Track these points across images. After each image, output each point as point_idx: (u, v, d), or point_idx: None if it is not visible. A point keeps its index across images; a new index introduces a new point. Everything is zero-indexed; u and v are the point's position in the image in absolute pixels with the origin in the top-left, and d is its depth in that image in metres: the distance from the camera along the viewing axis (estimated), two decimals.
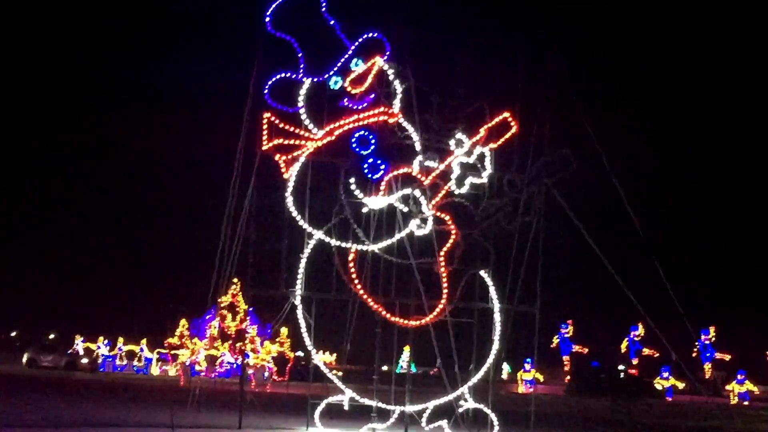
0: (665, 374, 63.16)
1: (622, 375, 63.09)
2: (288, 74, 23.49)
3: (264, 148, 23.32)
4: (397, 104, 23.79)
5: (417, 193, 23.56)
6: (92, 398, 31.79)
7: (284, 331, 56.46)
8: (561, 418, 31.81)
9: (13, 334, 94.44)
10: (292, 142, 23.47)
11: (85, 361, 66.70)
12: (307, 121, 23.48)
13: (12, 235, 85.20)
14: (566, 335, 69.74)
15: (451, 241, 23.73)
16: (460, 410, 23.88)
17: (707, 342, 65.59)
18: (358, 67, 23.56)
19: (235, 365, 55.74)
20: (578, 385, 60.66)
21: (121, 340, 72.41)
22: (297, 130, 23.50)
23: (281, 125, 23.42)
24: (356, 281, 23.41)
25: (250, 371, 54.70)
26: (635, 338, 67.30)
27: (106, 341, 73.00)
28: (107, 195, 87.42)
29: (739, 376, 61.30)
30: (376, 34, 23.76)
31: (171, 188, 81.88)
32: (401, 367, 74.00)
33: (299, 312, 23.45)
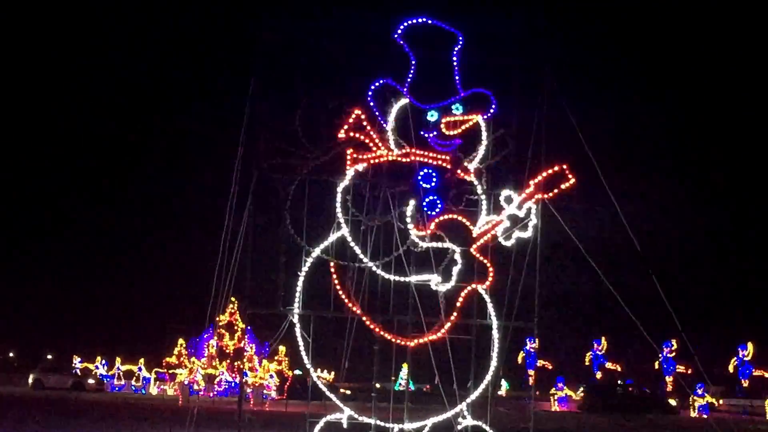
0: (699, 391, 62.79)
1: (633, 390, 62.56)
2: (393, 83, 23.41)
3: (340, 135, 23.17)
4: (474, 164, 23.80)
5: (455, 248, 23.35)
6: (91, 419, 31.61)
7: (282, 349, 56.54)
8: None
9: (11, 354, 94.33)
10: (368, 142, 23.28)
11: (91, 381, 66.38)
12: (390, 133, 23.37)
13: (9, 254, 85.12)
14: (531, 349, 69.21)
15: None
16: (459, 428, 23.81)
17: (669, 355, 65.48)
18: (458, 111, 23.51)
19: (233, 384, 55.75)
20: (591, 402, 60.25)
21: (118, 359, 72.32)
22: (368, 142, 23.37)
23: (366, 125, 23.26)
24: (354, 299, 23.35)
25: (249, 390, 54.61)
26: (668, 355, 66.52)
27: (103, 361, 72.89)
28: (106, 215, 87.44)
29: (699, 390, 61.20)
30: (488, 94, 23.68)
31: (169, 207, 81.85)
32: (399, 384, 74.09)
33: (297, 330, 23.37)
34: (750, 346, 64.76)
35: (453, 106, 23.54)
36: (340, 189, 23.21)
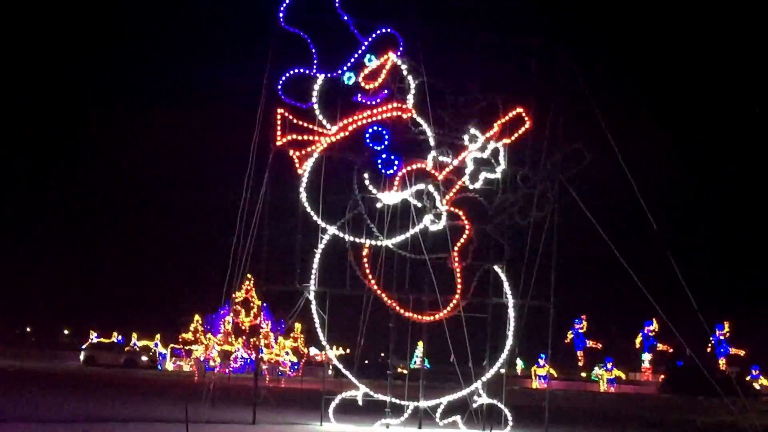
0: (755, 372, 62.49)
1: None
2: (301, 70, 23.50)
3: (278, 143, 23.33)
4: (410, 100, 23.79)
5: (431, 188, 23.52)
6: (109, 394, 31.82)
7: (298, 326, 56.57)
8: (577, 414, 31.65)
9: (28, 329, 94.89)
10: (305, 137, 23.48)
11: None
12: (320, 117, 23.52)
13: (26, 233, 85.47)
14: (580, 330, 69.24)
15: (465, 236, 23.68)
16: (474, 405, 23.88)
17: (721, 337, 65.06)
18: (371, 62, 23.55)
19: (248, 360, 55.87)
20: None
21: (135, 335, 72.46)
22: (311, 126, 23.52)
23: (295, 121, 23.45)
24: (370, 276, 23.44)
25: (264, 367, 54.82)
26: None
27: (120, 337, 73.09)
28: (122, 192, 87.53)
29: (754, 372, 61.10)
30: (389, 30, 23.73)
31: (185, 185, 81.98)
32: (415, 362, 74.15)
33: (313, 307, 23.45)
34: (726, 325, 64.88)
35: (365, 59, 23.50)
36: (302, 189, 23.19)
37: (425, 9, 24.55)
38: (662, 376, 63.00)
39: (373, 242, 23.47)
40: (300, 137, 23.48)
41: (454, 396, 24.02)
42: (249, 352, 56.56)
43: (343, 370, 23.91)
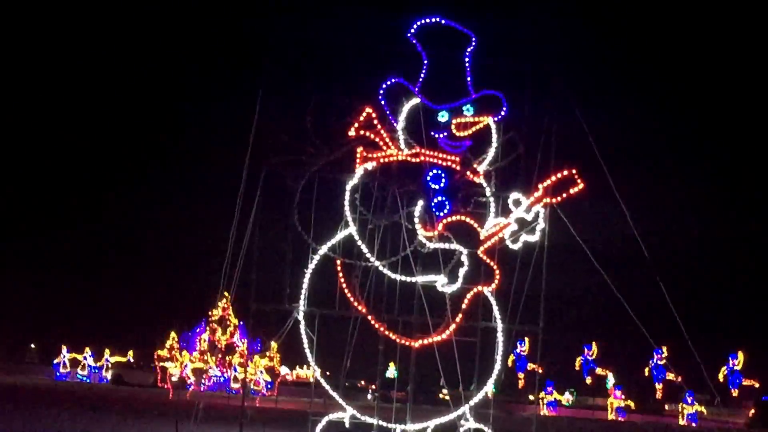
0: (689, 399, 61.86)
1: None
2: (404, 83, 23.36)
3: (350, 133, 23.12)
4: (483, 166, 23.72)
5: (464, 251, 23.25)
6: (91, 411, 31.49)
7: (274, 345, 56.32)
8: None
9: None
10: (378, 141, 23.26)
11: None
12: (401, 132, 23.35)
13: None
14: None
15: (455, 259, 23.54)
16: (462, 430, 23.75)
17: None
18: (469, 113, 23.43)
19: (222, 379, 55.62)
20: (762, 419, 58.48)
21: (107, 351, 72.04)
22: (378, 141, 23.30)
23: (376, 124, 23.18)
24: (359, 298, 23.29)
25: (236, 386, 54.66)
26: (659, 362, 65.40)
27: (91, 352, 72.61)
28: (98, 207, 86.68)
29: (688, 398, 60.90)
30: (499, 95, 23.61)
31: (169, 203, 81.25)
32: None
33: (302, 327, 23.28)
34: (740, 355, 64.15)
35: (464, 107, 23.47)
36: (348, 187, 23.12)
37: None
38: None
39: (364, 263, 23.32)
40: (374, 138, 23.22)
41: (442, 420, 23.86)
42: (223, 370, 56.23)
43: (331, 392, 23.70)
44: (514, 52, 25.54)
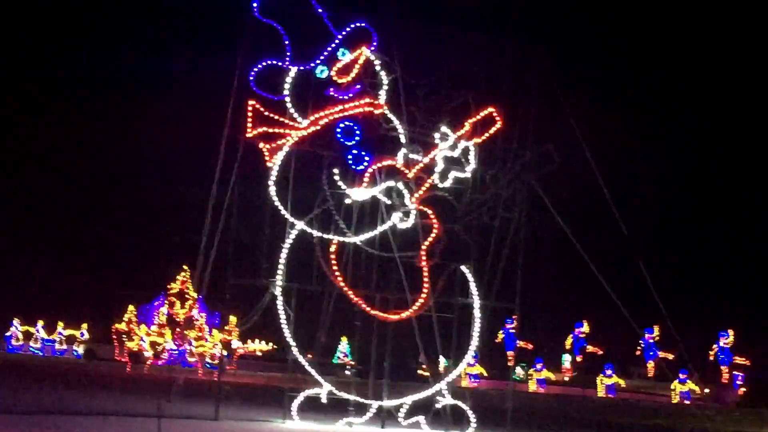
0: (682, 377, 61.77)
1: None
2: (274, 62, 23.09)
3: (248, 135, 22.89)
4: (382, 95, 23.53)
5: (400, 186, 23.26)
6: (54, 385, 31.13)
7: (233, 319, 55.77)
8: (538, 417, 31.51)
9: None
10: (276, 130, 23.06)
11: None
12: (292, 110, 23.14)
13: None
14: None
15: (433, 235, 23.44)
16: (438, 406, 23.74)
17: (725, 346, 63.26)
18: (344, 56, 23.23)
19: (177, 352, 55.07)
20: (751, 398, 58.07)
21: (60, 324, 71.22)
22: (282, 119, 23.12)
23: (266, 113, 23.01)
24: (337, 273, 23.13)
25: (193, 359, 54.31)
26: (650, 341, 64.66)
27: (42, 325, 71.73)
28: (58, 176, 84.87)
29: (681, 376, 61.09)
30: (362, 24, 23.43)
31: (139, 174, 79.56)
32: (338, 358, 73.75)
33: (279, 303, 23.07)
34: (731, 333, 63.95)
35: (338, 53, 23.24)
36: (271, 183, 22.78)
37: (400, 4, 24.33)
38: (743, 390, 61.52)
39: (341, 239, 23.15)
40: (271, 129, 23.03)
41: (418, 396, 23.82)
42: (179, 344, 55.76)
43: (308, 367, 23.50)
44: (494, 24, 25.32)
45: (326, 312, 23.90)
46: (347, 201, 23.11)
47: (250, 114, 22.88)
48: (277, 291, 23.04)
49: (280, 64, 23.08)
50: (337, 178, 22.90)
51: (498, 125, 24.00)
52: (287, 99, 23.11)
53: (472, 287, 24.04)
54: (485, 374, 63.28)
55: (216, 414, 22.62)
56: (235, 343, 65.03)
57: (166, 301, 53.71)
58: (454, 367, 24.22)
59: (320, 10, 23.26)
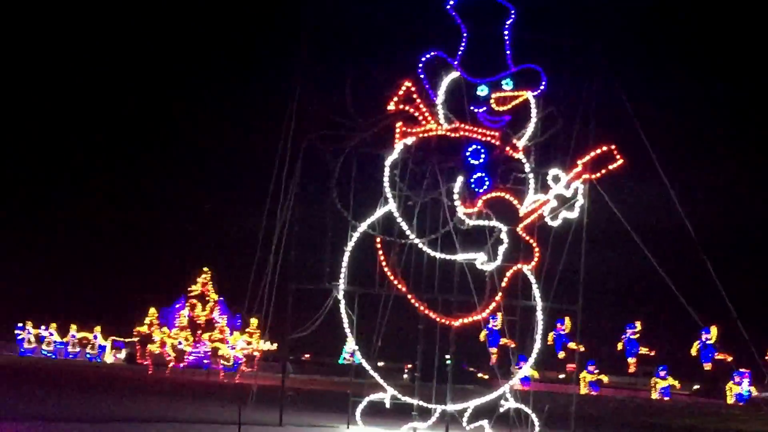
0: (662, 373, 61.35)
1: None
2: (445, 57, 22.86)
3: (390, 107, 22.56)
4: (523, 141, 23.25)
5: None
6: (104, 392, 30.83)
7: (254, 322, 55.48)
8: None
9: None
10: (418, 116, 22.70)
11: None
12: (441, 107, 22.84)
13: None
14: (632, 336, 66.56)
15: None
16: (502, 410, 23.44)
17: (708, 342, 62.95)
18: (508, 86, 22.94)
19: (202, 354, 54.79)
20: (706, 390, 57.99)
21: (73, 327, 70.78)
22: (418, 115, 22.73)
23: (416, 99, 22.64)
24: (399, 277, 22.82)
25: (221, 362, 54.08)
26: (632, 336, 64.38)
27: (48, 328, 71.29)
28: (78, 180, 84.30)
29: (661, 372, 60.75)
30: (539, 69, 23.14)
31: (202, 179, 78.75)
32: (344, 358, 73.46)
33: (342, 307, 22.78)
34: (713, 329, 63.79)
35: (503, 82, 23.07)
36: (388, 163, 22.56)
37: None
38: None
39: (405, 241, 22.82)
40: (414, 113, 22.68)
41: (482, 400, 23.50)
42: (197, 346, 55.45)
43: (371, 372, 23.19)
44: (554, 26, 25.03)
45: (382, 315, 23.61)
46: (460, 224, 22.63)
47: (402, 91, 22.49)
48: (340, 295, 22.73)
49: (450, 60, 22.82)
50: (457, 192, 22.42)
51: (619, 162, 23.25)
52: (440, 99, 22.76)
53: (535, 289, 23.71)
54: (536, 376, 62.14)
55: (280, 420, 22.30)
56: (240, 344, 64.86)
57: (187, 304, 53.60)
58: (518, 370, 23.92)
59: (507, 39, 23.05)
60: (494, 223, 22.63)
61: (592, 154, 23.28)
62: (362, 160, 23.11)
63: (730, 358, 56.32)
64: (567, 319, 59.66)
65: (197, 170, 77.84)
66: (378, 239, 22.83)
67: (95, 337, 70.62)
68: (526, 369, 24.04)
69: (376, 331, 23.81)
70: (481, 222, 22.61)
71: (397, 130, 22.63)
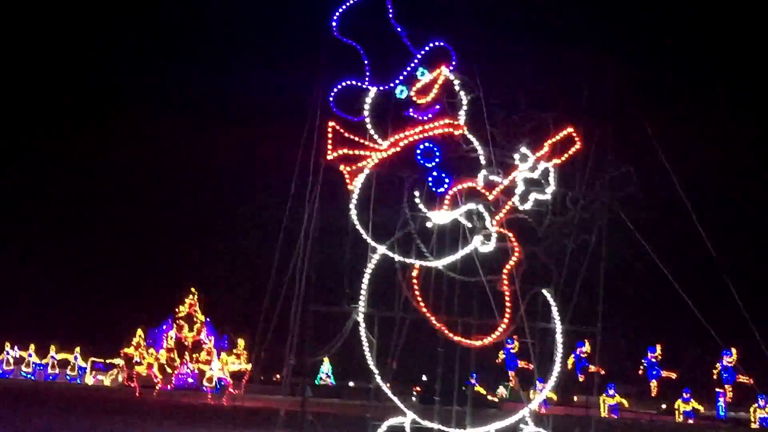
0: (611, 391, 61.35)
1: None
2: (354, 82, 22.54)
3: (329, 157, 22.29)
4: (462, 116, 22.99)
5: (481, 208, 22.67)
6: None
7: (241, 342, 55.11)
8: None
9: None
10: (356, 152, 22.47)
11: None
12: (372, 131, 22.56)
13: None
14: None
15: (514, 258, 22.88)
16: None
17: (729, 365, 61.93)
18: (423, 76, 22.71)
19: (186, 376, 54.35)
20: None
21: (53, 348, 70.03)
22: (362, 141, 22.53)
23: (346, 135, 22.42)
24: (419, 298, 22.54)
25: (208, 384, 53.59)
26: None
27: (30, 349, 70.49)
28: (64, 196, 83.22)
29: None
30: (441, 43, 22.92)
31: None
32: (320, 379, 73.07)
33: (362, 329, 22.46)
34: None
35: (417, 73, 22.76)
36: (352, 206, 22.23)
37: (478, 23, 23.83)
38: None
39: (423, 263, 22.55)
40: (351, 152, 22.44)
41: (502, 424, 23.22)
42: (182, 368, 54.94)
43: (391, 396, 22.87)
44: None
45: (398, 337, 23.34)
46: (428, 224, 22.51)
47: (330, 136, 22.28)
48: (360, 317, 22.42)
49: (359, 84, 22.52)
50: (418, 200, 22.32)
51: (577, 146, 23.43)
52: (367, 120, 22.52)
53: (554, 311, 23.49)
54: (555, 399, 61.44)
55: None
56: (216, 365, 64.34)
57: (174, 325, 53.17)
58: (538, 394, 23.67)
59: (399, 29, 22.74)
60: (468, 206, 22.29)
61: (557, 137, 23.08)
62: (381, 181, 22.82)
63: (751, 381, 55.81)
64: (587, 342, 59.14)
65: (192, 186, 77.07)
66: (396, 261, 22.54)
67: (75, 359, 69.90)
68: (546, 392, 23.66)
69: (390, 353, 23.54)
70: (454, 213, 22.28)
71: (346, 176, 22.34)
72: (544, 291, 23.52)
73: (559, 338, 23.48)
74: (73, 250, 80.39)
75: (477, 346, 22.99)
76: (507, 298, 22.78)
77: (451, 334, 22.78)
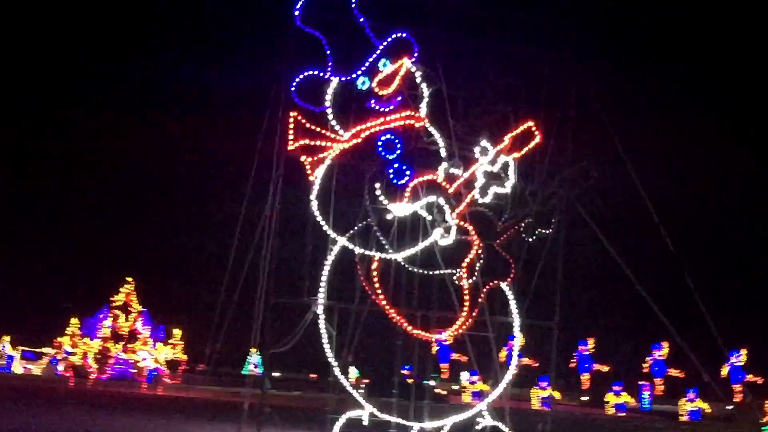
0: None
1: None
2: (316, 72, 22.31)
3: (290, 148, 22.05)
4: (423, 108, 22.89)
5: (441, 201, 22.61)
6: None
7: (178, 333, 54.55)
8: None
9: None
10: (318, 143, 22.24)
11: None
12: (333, 122, 22.35)
13: None
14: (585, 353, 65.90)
15: (473, 252, 22.86)
16: (478, 428, 23.20)
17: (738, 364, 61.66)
18: (386, 67, 22.55)
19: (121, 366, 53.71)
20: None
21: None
22: (324, 131, 22.31)
23: (308, 125, 22.19)
24: (378, 291, 22.43)
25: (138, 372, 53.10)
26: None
27: None
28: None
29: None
30: (404, 34, 22.78)
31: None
32: (248, 369, 72.55)
33: (321, 322, 22.28)
34: (665, 346, 63.79)
35: (379, 64, 22.71)
36: (313, 197, 22.06)
37: (441, 16, 23.75)
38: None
39: (383, 256, 22.43)
40: (312, 142, 22.21)
41: (459, 417, 23.21)
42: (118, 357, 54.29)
43: (349, 389, 22.77)
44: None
45: (353, 329, 23.28)
46: (388, 216, 22.38)
47: (291, 126, 22.04)
48: (319, 310, 22.24)
49: (321, 74, 22.30)
50: (378, 192, 22.17)
51: (537, 140, 23.46)
52: (329, 111, 22.32)
53: (512, 305, 23.53)
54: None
55: None
56: (142, 354, 63.75)
57: (110, 314, 52.42)
58: (492, 387, 23.70)
59: (362, 20, 22.54)
60: (428, 199, 22.24)
61: (518, 130, 23.10)
62: (342, 172, 22.65)
63: (682, 374, 56.46)
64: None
65: (139, 175, 75.66)
66: (357, 254, 22.41)
67: (3, 347, 68.58)
68: (501, 388, 23.64)
69: (346, 346, 23.45)
70: (415, 206, 22.22)
71: (308, 167, 22.17)
72: (502, 285, 23.55)
73: (517, 332, 23.53)
74: (3, 237, 78.78)
75: (437, 339, 22.99)
76: (466, 292, 22.85)
77: (410, 327, 22.73)
